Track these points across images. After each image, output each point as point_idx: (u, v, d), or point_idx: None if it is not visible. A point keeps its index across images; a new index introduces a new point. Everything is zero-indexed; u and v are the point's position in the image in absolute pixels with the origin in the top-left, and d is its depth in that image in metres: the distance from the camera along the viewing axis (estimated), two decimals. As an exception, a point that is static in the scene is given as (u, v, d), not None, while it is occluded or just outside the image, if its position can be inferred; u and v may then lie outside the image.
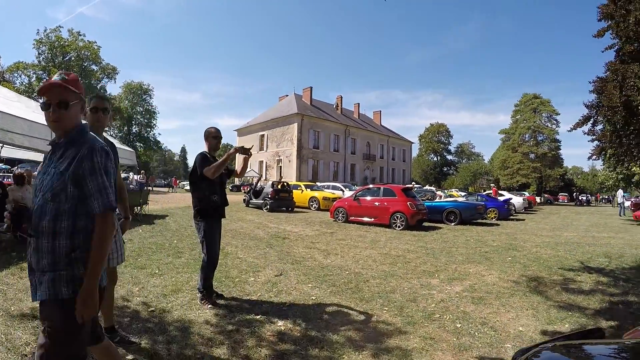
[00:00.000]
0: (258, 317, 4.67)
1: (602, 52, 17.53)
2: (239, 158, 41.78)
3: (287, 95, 62.60)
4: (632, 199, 40.46)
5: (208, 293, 5.09)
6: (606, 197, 68.73)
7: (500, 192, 33.08)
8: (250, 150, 4.98)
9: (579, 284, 7.16)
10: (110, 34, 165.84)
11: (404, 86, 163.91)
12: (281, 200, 21.21)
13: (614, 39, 16.15)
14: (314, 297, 5.56)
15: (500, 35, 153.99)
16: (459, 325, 4.69)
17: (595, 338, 2.01)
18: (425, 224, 16.34)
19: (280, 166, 54.07)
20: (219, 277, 6.21)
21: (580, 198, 60.03)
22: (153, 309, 4.74)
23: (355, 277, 6.88)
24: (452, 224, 17.29)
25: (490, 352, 3.99)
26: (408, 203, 14.79)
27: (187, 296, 5.30)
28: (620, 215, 29.24)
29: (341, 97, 65.29)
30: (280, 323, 4.50)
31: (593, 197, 71.47)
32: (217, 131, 5.20)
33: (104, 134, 3.62)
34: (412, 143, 79.55)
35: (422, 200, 18.08)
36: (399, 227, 14.46)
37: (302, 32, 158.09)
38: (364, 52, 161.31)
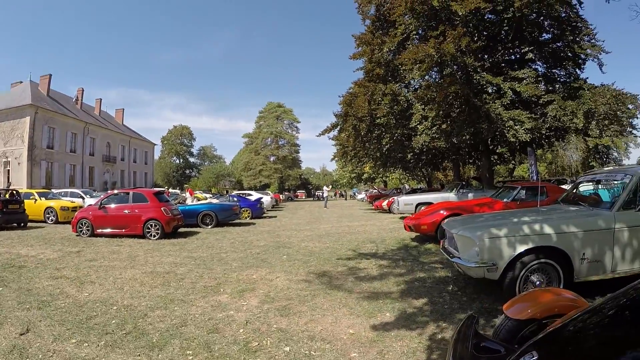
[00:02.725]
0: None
1: (354, 71, 20.14)
2: None
3: (21, 82, 49.91)
4: (365, 193, 47.02)
5: None
6: (340, 192, 78.57)
7: (248, 192, 34.05)
8: None
9: (366, 270, 7.41)
10: None
11: (150, 86, 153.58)
12: (10, 214, 16.51)
13: (365, 62, 18.41)
14: (87, 362, 3.67)
15: (251, 47, 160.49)
16: (288, 349, 3.89)
17: (474, 323, 2.12)
18: (181, 229, 15.12)
19: (8, 170, 43.78)
20: None
21: (317, 194, 67.39)
22: None
23: (129, 312, 5.19)
24: (209, 227, 16.58)
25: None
26: (162, 208, 13.30)
27: None
28: (325, 207, 34.20)
29: (82, 90, 56.56)
30: None
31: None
32: None
33: None
34: (155, 145, 75.99)
35: (175, 204, 16.79)
36: (154, 236, 12.87)
37: (44, 6, 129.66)
38: (112, 45, 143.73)
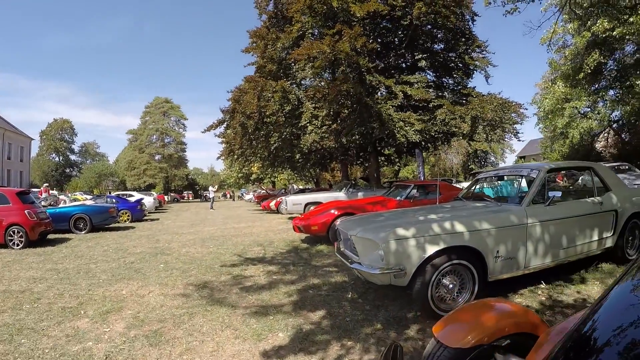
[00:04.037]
0: None
1: (245, 66, 19.43)
2: None
3: None
4: (252, 193, 45.72)
5: None
6: (230, 193, 76.25)
7: (129, 193, 31.50)
8: None
9: (253, 279, 6.43)
10: None
11: (32, 73, 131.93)
12: None
13: (258, 57, 17.68)
14: None
15: (143, 38, 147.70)
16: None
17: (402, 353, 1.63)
18: (51, 236, 13.01)
19: None
20: None
21: (205, 195, 64.50)
22: None
23: (-35, 353, 3.81)
24: (83, 232, 14.52)
25: None
26: (26, 212, 11.20)
27: None
28: (211, 208, 31.73)
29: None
30: None
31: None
32: None
33: None
34: (33, 140, 67.27)
35: (44, 207, 14.47)
36: (17, 245, 10.83)
37: None
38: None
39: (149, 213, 25.45)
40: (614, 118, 21.40)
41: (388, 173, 41.51)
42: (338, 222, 7.24)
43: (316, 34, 16.19)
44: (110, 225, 16.47)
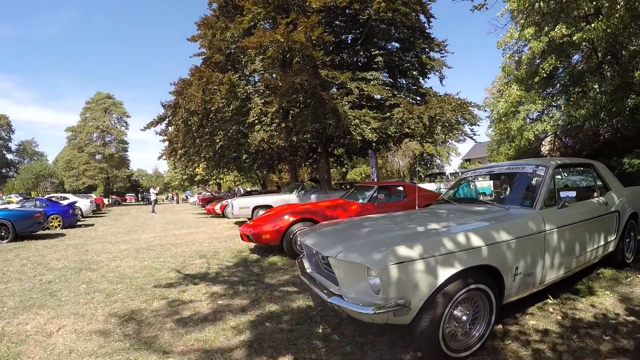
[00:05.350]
0: None
1: (190, 57, 17.71)
2: None
3: None
4: (197, 195, 43.53)
5: None
6: (173, 196, 73.02)
7: (64, 195, 28.79)
8: None
9: (193, 306, 4.97)
10: None
11: None
12: None
13: (205, 47, 16.23)
14: None
15: (91, 32, 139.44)
16: None
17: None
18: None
19: None
20: None
21: (147, 197, 61.22)
22: None
23: None
24: (5, 241, 12.41)
25: None
26: None
27: None
28: (153, 212, 28.91)
29: None
30: None
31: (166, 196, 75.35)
32: None
33: None
34: None
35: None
36: None
37: None
38: None
39: (85, 217, 23.12)
40: (561, 122, 21.50)
41: (335, 175, 40.74)
42: (298, 232, 5.92)
43: (268, 27, 14.95)
44: (38, 233, 14.34)
